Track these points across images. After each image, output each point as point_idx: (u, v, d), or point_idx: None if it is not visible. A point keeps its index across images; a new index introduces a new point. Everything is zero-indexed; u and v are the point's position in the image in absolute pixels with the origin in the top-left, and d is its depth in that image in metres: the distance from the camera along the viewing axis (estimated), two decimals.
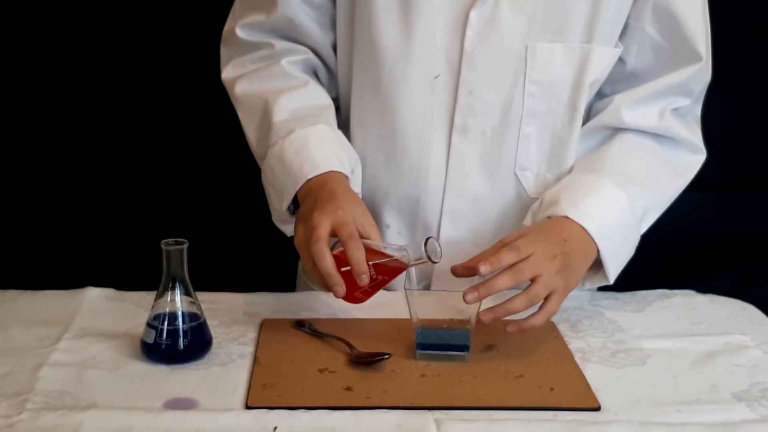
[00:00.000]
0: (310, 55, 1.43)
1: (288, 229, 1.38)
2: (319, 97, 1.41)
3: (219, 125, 2.01)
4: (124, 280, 1.42)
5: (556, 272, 1.22)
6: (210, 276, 1.36)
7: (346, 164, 1.34)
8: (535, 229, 1.28)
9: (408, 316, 1.20)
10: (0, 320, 1.28)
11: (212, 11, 1.61)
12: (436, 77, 1.35)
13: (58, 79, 2.04)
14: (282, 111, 1.37)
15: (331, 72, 1.45)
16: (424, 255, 1.19)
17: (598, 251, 1.30)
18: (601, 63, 1.37)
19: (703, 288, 1.47)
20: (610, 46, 1.37)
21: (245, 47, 1.44)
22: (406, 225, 1.42)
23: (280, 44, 1.42)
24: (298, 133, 1.34)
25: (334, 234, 1.21)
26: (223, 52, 1.47)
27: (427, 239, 1.20)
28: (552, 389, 1.14)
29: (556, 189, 1.35)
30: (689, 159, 1.43)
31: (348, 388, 1.12)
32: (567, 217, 1.28)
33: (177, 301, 1.18)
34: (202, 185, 2.08)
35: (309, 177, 1.30)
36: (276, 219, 1.40)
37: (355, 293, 1.22)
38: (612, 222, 1.31)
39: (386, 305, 1.36)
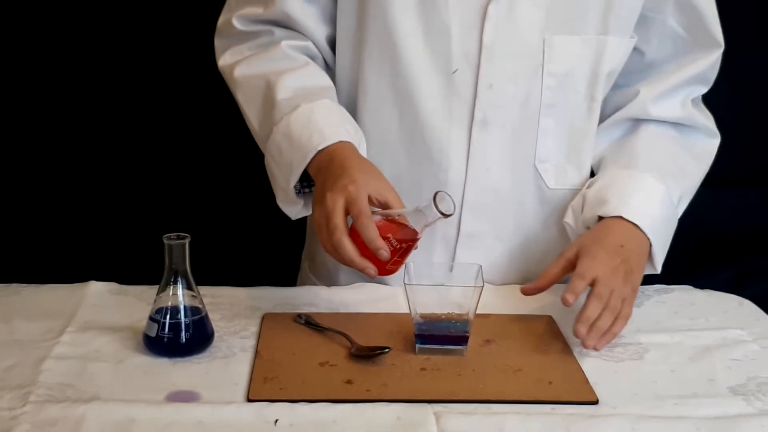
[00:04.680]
0: (310, 43, 1.42)
1: (293, 210, 1.37)
2: (321, 77, 1.40)
3: (221, 120, 2.02)
4: (126, 274, 1.44)
5: (622, 282, 1.26)
6: (212, 270, 1.37)
7: (354, 136, 1.33)
8: (591, 241, 1.30)
9: (407, 311, 1.21)
10: (4, 313, 1.29)
11: (212, 5, 1.62)
12: (454, 72, 1.36)
13: (59, 76, 2.05)
14: (285, 89, 1.36)
15: (327, 64, 1.46)
16: (437, 212, 1.19)
17: (650, 245, 1.34)
18: (617, 53, 1.39)
19: (701, 283, 1.48)
20: (625, 37, 1.40)
21: (243, 36, 1.43)
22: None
23: (280, 31, 1.42)
24: (304, 108, 1.33)
25: (348, 213, 1.21)
26: (219, 42, 1.46)
27: (436, 194, 1.20)
28: (550, 383, 1.15)
29: (598, 187, 1.38)
30: (707, 144, 1.48)
31: (348, 382, 1.13)
32: (620, 217, 1.32)
33: (179, 295, 1.19)
34: (205, 179, 2.09)
35: (319, 148, 1.28)
36: (281, 200, 1.37)
37: (387, 266, 1.22)
38: (658, 215, 1.36)
39: (386, 300, 1.37)
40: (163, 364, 1.17)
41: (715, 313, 1.38)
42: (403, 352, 1.20)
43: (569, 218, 1.41)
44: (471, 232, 1.42)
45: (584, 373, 1.18)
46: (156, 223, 1.46)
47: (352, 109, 1.42)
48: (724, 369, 1.20)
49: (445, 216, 1.20)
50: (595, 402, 1.11)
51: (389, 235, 1.20)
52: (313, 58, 1.43)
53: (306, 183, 1.36)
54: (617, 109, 1.47)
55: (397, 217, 1.23)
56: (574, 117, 1.40)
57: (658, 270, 1.38)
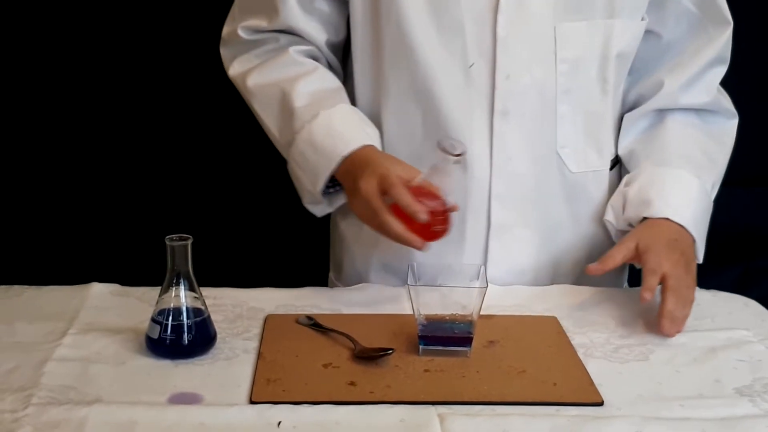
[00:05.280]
0: (313, 47, 1.47)
1: (318, 209, 1.46)
2: (331, 79, 1.46)
3: (223, 121, 2.03)
4: (128, 275, 1.43)
5: (685, 273, 1.34)
6: (214, 271, 1.37)
7: (373, 137, 1.40)
8: (649, 237, 1.35)
9: (411, 311, 1.21)
10: (6, 315, 1.29)
11: (214, 4, 1.62)
12: (470, 66, 1.38)
13: (62, 77, 2.04)
14: (301, 96, 1.41)
15: (332, 68, 1.49)
16: (449, 156, 1.26)
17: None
18: (625, 36, 1.42)
19: (706, 283, 1.47)
20: (635, 20, 1.43)
21: (249, 45, 1.47)
22: (456, 213, 1.39)
23: (284, 37, 1.46)
24: (323, 115, 1.39)
25: (383, 192, 1.28)
26: (225, 52, 1.50)
27: (438, 142, 1.28)
28: (555, 384, 1.14)
29: (638, 187, 1.42)
30: (728, 127, 1.52)
31: (352, 383, 1.13)
32: (667, 219, 1.38)
33: (181, 297, 1.19)
34: (207, 180, 2.09)
35: (343, 155, 1.35)
36: (308, 201, 1.45)
37: (432, 229, 1.28)
38: (698, 210, 1.42)
39: (389, 301, 1.37)
40: (166, 365, 1.17)
41: (720, 313, 1.37)
42: (406, 354, 1.20)
43: (610, 216, 1.45)
44: (501, 223, 1.43)
45: (589, 375, 1.17)
46: (159, 223, 1.45)
47: (375, 110, 1.44)
48: (729, 370, 1.20)
49: (458, 156, 1.26)
50: (600, 403, 1.11)
51: (421, 200, 1.26)
52: (317, 60, 1.48)
53: (330, 184, 1.41)
54: (641, 98, 1.50)
55: (423, 181, 1.29)
56: (589, 100, 1.43)
57: (701, 259, 1.43)
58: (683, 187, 1.42)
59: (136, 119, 2.06)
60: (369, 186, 1.29)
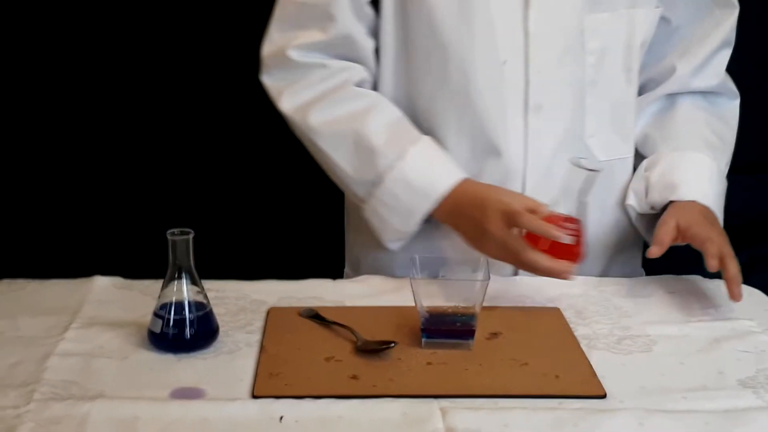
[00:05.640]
0: (361, 69, 1.44)
1: (398, 245, 1.43)
2: (394, 108, 1.43)
3: (225, 114, 2.02)
4: (132, 268, 1.43)
5: (726, 241, 1.38)
6: (217, 264, 1.36)
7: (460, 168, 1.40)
8: (688, 214, 1.39)
9: (413, 303, 1.20)
10: (8, 309, 1.29)
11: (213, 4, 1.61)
12: (503, 63, 1.39)
13: (63, 72, 2.04)
14: (378, 133, 1.39)
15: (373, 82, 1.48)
16: (588, 171, 1.28)
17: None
18: (646, 24, 1.46)
19: (708, 272, 1.47)
20: (652, 8, 1.46)
21: (298, 72, 1.42)
22: None
23: (334, 64, 1.42)
24: (413, 152, 1.38)
25: (511, 227, 1.29)
26: (270, 81, 1.44)
27: (570, 159, 1.29)
28: (557, 377, 1.14)
29: (661, 171, 1.46)
30: (732, 107, 1.56)
31: (354, 377, 1.13)
32: (694, 201, 1.42)
33: (183, 291, 1.18)
34: (210, 173, 2.08)
35: (443, 193, 1.35)
36: (390, 239, 1.43)
37: (575, 252, 1.29)
38: (718, 191, 1.47)
39: (392, 292, 1.37)
40: (168, 360, 1.17)
41: (724, 303, 1.36)
42: (409, 347, 1.19)
43: (632, 200, 1.48)
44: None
45: (592, 367, 1.17)
46: (162, 216, 1.46)
47: (406, 114, 1.44)
48: (733, 361, 1.19)
49: (594, 171, 1.28)
50: (603, 396, 1.10)
51: (558, 224, 1.27)
52: (364, 82, 1.45)
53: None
54: (651, 82, 1.53)
55: (552, 214, 1.30)
56: (615, 90, 1.46)
57: None
58: (704, 171, 1.46)
59: (139, 112, 2.06)
60: (498, 226, 1.29)
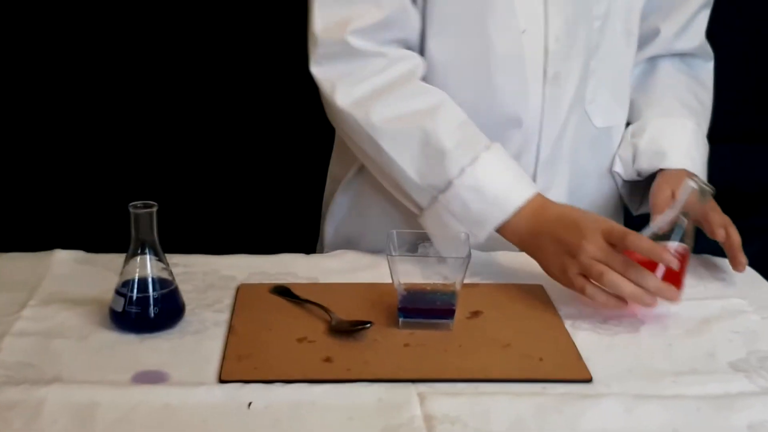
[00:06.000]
0: (419, 59, 1.36)
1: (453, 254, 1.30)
2: (457, 107, 1.34)
3: (194, 78, 1.95)
4: (96, 242, 1.36)
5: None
6: (184, 238, 1.31)
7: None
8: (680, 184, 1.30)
9: (391, 280, 1.14)
10: None
11: None
12: (522, 32, 1.34)
13: (22, 40, 1.97)
14: (449, 136, 1.30)
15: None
16: (707, 188, 1.21)
17: None
18: None
19: (696, 245, 1.41)
20: None
21: (352, 61, 1.31)
22: None
23: (391, 52, 1.33)
24: (486, 157, 1.29)
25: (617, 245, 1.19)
26: (320, 72, 1.33)
27: (685, 181, 1.21)
28: (541, 359, 1.09)
29: (650, 138, 1.43)
30: (707, 69, 1.54)
31: (327, 359, 1.07)
32: (684, 169, 1.39)
33: (147, 267, 1.12)
34: (175, 141, 2.02)
35: (519, 205, 1.27)
36: (446, 248, 1.23)
37: (678, 279, 1.19)
38: (704, 158, 1.46)
39: (368, 268, 1.32)
40: (130, 340, 1.11)
41: (713, 280, 1.33)
42: (385, 327, 1.14)
43: (618, 167, 1.46)
44: (543, 189, 1.35)
45: (577, 349, 1.11)
46: (127, 185, 1.39)
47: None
48: (724, 342, 1.15)
49: (710, 192, 1.21)
50: (589, 380, 1.05)
51: (663, 245, 1.19)
52: (418, 67, 1.36)
53: None
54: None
55: (655, 229, 1.23)
56: (615, 55, 1.43)
57: None
58: (689, 137, 1.45)
59: (102, 79, 2.00)
60: (600, 245, 1.18)
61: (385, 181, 1.36)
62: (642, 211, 1.50)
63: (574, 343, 1.13)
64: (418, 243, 1.20)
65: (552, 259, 1.24)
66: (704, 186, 1.22)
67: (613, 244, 1.18)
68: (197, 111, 1.98)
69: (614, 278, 1.17)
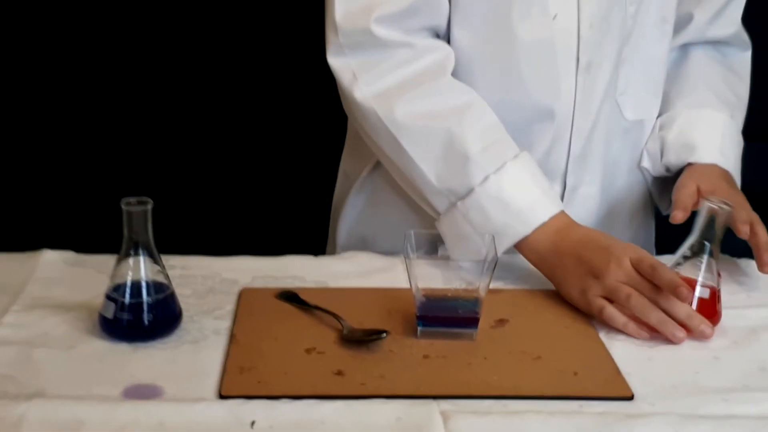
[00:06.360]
0: (449, 50, 1.26)
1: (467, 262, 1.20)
2: (491, 111, 1.25)
3: (194, 70, 1.87)
4: (87, 241, 1.27)
5: (750, 208, 1.28)
6: (182, 239, 1.23)
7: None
8: (714, 181, 1.29)
9: (407, 285, 1.05)
10: None
11: None
12: (554, 17, 1.25)
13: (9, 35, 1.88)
14: (476, 139, 1.21)
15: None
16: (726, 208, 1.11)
17: None
18: None
19: (725, 248, 1.31)
20: None
21: (376, 51, 1.22)
22: None
23: (419, 42, 1.23)
24: (512, 166, 1.20)
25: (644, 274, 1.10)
26: (339, 61, 1.23)
27: (706, 201, 1.12)
28: (576, 374, 0.99)
29: (679, 130, 1.36)
30: (744, 59, 1.47)
31: (339, 373, 0.97)
32: (714, 164, 1.33)
33: (140, 270, 1.03)
34: (174, 135, 1.93)
35: (543, 221, 1.18)
36: (461, 256, 1.17)
37: (709, 313, 1.09)
38: (737, 154, 1.38)
39: (383, 271, 1.22)
40: (122, 350, 1.01)
41: (757, 286, 1.22)
42: (402, 336, 1.04)
43: (646, 162, 1.38)
44: (574, 185, 1.32)
45: (614, 362, 1.01)
46: (121, 181, 1.30)
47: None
48: None
49: (728, 207, 1.11)
50: (630, 397, 0.95)
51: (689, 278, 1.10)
52: (448, 59, 1.26)
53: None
54: None
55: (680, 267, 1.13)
56: (649, 43, 1.34)
57: None
58: (722, 130, 1.37)
59: (95, 74, 1.92)
60: (626, 270, 1.10)
61: (403, 182, 1.27)
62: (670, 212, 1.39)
63: (611, 356, 1.03)
64: (438, 244, 1.10)
65: (572, 280, 1.14)
66: (722, 206, 1.10)
67: (641, 273, 1.10)
68: (197, 100, 1.90)
69: (642, 302, 1.08)
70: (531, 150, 1.26)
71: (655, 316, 1.07)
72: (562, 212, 1.20)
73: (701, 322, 1.07)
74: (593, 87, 1.30)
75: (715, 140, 1.35)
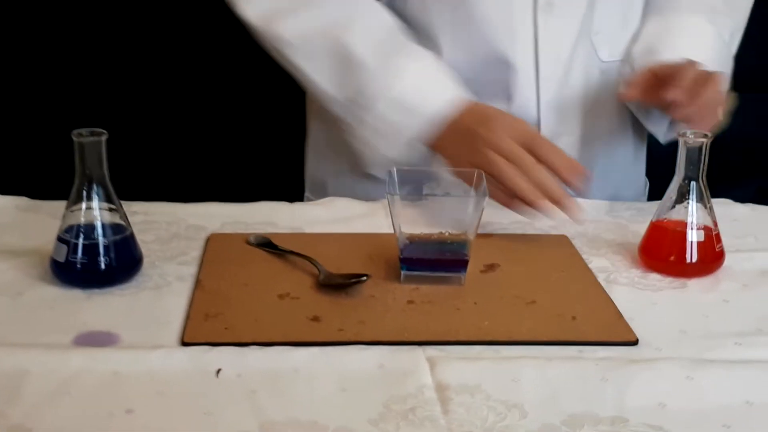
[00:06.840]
0: None
1: (382, 172, 1.16)
2: (386, 13, 1.21)
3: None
4: (42, 186, 1.19)
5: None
6: (146, 184, 1.14)
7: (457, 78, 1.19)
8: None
9: (389, 231, 0.97)
10: None
11: None
12: None
13: None
14: (367, 44, 1.17)
15: None
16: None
17: None
18: None
19: (739, 194, 1.26)
20: None
21: None
22: None
23: None
24: (411, 68, 1.17)
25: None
26: None
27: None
28: (574, 318, 0.91)
29: (644, 36, 1.26)
30: None
31: (315, 318, 0.89)
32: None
33: (95, 209, 0.93)
34: (136, 67, 1.82)
35: (444, 113, 1.14)
36: (374, 165, 1.21)
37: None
38: (716, 61, 1.21)
39: (362, 217, 1.15)
40: (75, 297, 0.92)
41: (763, 230, 1.15)
42: (384, 281, 0.96)
43: (621, 87, 1.24)
44: (552, 135, 1.21)
45: (616, 306, 0.93)
46: (80, 118, 1.20)
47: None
48: None
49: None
50: (635, 342, 0.87)
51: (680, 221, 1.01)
52: None
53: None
54: None
55: None
56: None
57: None
58: (694, 34, 1.25)
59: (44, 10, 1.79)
60: (505, 140, 1.07)
61: (311, 94, 1.25)
62: (670, 137, 1.28)
63: (611, 300, 0.95)
64: (423, 182, 1.01)
65: (457, 150, 1.13)
66: (698, 138, 0.99)
67: (526, 146, 1.07)
68: (164, 38, 1.79)
69: (511, 171, 1.06)
70: (495, 100, 1.19)
71: (522, 185, 1.05)
72: (460, 97, 1.15)
73: (569, 200, 1.05)
74: (559, 29, 1.22)
75: (679, 45, 1.23)
